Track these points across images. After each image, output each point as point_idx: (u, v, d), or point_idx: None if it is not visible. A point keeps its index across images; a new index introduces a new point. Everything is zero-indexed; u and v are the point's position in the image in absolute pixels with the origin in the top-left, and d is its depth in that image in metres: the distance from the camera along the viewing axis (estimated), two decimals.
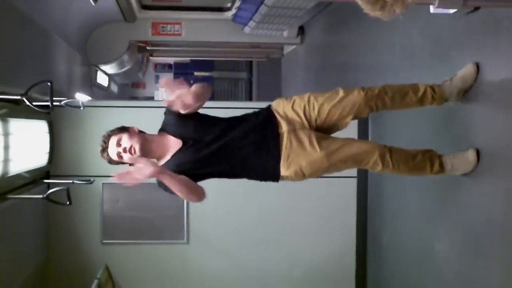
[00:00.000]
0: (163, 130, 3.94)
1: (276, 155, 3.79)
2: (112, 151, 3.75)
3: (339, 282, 6.60)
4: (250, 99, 17.44)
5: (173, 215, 6.31)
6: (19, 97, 4.70)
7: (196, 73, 19.34)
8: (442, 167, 3.94)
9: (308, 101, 3.90)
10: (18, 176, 5.21)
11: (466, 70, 3.99)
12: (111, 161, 3.82)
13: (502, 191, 3.78)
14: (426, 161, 3.93)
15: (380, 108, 3.92)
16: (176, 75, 19.93)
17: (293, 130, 3.85)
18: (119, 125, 3.91)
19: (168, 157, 3.84)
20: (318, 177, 3.95)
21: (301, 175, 3.82)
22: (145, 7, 10.82)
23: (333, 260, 6.56)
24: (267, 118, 3.90)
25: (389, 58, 5.90)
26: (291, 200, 6.41)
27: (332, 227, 6.54)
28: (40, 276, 6.23)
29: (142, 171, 3.46)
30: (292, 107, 3.91)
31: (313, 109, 3.88)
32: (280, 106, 3.95)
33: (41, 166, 5.94)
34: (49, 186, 5.78)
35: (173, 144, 3.85)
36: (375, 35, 6.40)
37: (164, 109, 3.97)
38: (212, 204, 5.65)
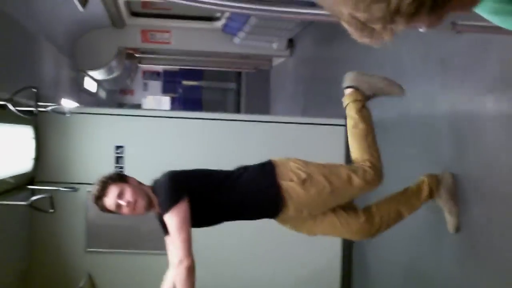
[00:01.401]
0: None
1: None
2: (111, 201, 3.57)
3: None
4: (238, 109, 17.43)
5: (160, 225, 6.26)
6: (3, 103, 4.66)
7: (184, 82, 19.34)
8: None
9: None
10: (1, 181, 5.17)
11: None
12: (103, 209, 3.64)
13: (485, 216, 3.78)
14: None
15: None
16: (165, 83, 19.94)
17: (299, 216, 3.91)
18: (116, 172, 3.76)
19: None
20: None
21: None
22: (134, 13, 10.79)
23: (318, 275, 6.51)
24: (274, 205, 3.83)
25: (377, 73, 5.89)
26: None
27: (319, 242, 6.50)
28: (21, 285, 6.17)
29: None
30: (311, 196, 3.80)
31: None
32: (294, 193, 3.77)
33: (26, 172, 5.89)
34: (33, 192, 5.73)
35: None
36: (365, 51, 6.40)
37: None
38: None
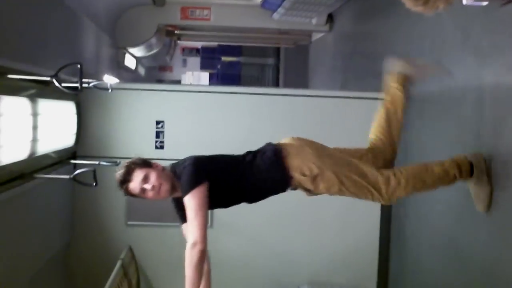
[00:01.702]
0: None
1: None
2: (136, 185, 3.64)
3: (361, 271, 6.58)
4: (277, 85, 17.41)
5: None
6: (48, 79, 4.72)
7: (223, 58, 19.35)
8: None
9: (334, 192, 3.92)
10: (45, 156, 5.25)
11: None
12: (127, 193, 3.72)
13: None
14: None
15: None
16: (204, 59, 19.96)
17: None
18: (140, 157, 3.77)
19: None
20: None
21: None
22: None
23: (356, 249, 6.54)
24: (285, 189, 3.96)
25: (419, 47, 5.85)
26: None
27: (357, 216, 6.51)
28: (65, 256, 6.29)
29: None
30: (319, 190, 3.90)
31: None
32: (304, 183, 3.85)
33: (68, 146, 5.98)
34: (75, 166, 5.82)
35: None
36: (406, 24, 6.35)
37: None
38: None
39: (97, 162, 5.69)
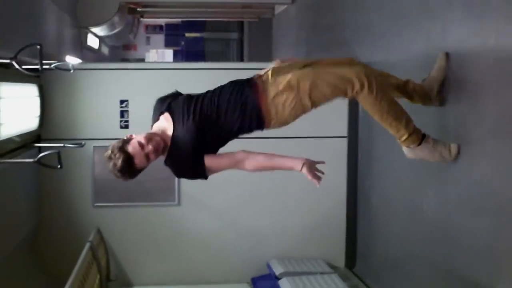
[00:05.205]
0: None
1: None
2: (140, 156, 3.70)
3: (330, 244, 6.65)
4: (241, 59, 17.38)
5: (164, 177, 6.25)
6: (8, 61, 4.67)
7: (187, 34, 19.28)
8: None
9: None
10: (8, 140, 5.20)
11: (439, 62, 4.24)
12: (130, 163, 3.75)
13: (490, 155, 3.80)
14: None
15: None
16: (168, 36, 19.88)
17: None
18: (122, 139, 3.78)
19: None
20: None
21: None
22: None
23: (324, 221, 6.59)
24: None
25: (377, 16, 5.87)
26: None
27: (323, 188, 6.52)
28: (33, 240, 6.26)
29: None
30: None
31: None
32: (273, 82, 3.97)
33: (32, 130, 5.93)
34: (40, 150, 5.77)
35: (167, 127, 3.91)
36: None
37: None
38: None
39: (61, 145, 5.66)
